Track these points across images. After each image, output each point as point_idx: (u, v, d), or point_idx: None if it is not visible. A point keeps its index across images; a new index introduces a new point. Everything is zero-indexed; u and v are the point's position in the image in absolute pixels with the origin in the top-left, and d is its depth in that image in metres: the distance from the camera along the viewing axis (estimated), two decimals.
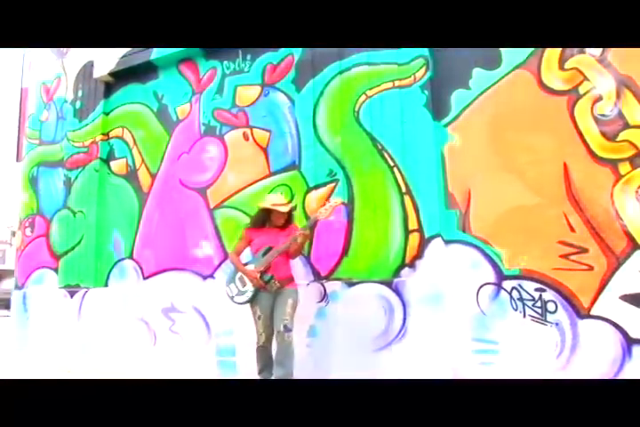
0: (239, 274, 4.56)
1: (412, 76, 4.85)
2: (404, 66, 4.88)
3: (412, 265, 4.61)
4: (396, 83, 4.90)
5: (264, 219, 4.61)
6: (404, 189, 4.74)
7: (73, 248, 6.80)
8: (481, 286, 4.38)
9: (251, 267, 4.48)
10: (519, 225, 4.29)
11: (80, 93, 7.22)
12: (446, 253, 4.52)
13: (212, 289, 5.59)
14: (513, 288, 4.26)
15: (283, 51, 5.68)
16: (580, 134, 4.15)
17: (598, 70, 4.15)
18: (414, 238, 4.64)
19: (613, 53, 4.11)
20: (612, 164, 4.01)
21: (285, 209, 4.53)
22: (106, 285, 6.56)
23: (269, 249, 4.45)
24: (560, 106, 4.26)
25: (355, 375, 4.12)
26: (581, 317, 4.01)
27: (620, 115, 4.03)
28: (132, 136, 6.72)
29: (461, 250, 4.49)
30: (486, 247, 4.40)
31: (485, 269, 4.37)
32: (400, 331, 4.53)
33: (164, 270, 6.13)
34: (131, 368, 5.85)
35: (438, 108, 4.75)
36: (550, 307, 4.12)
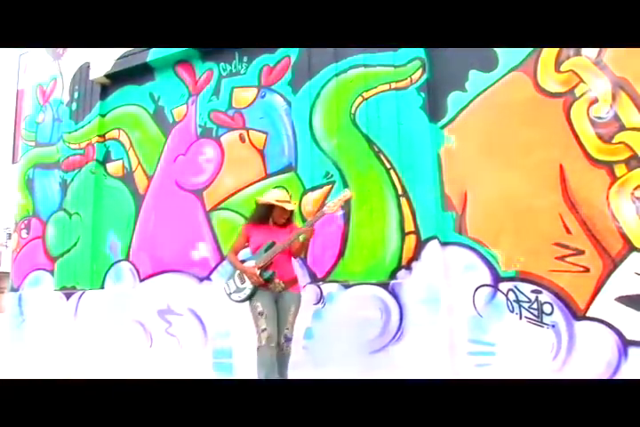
0: (238, 271, 4.27)
1: (409, 79, 4.85)
2: (401, 68, 4.89)
3: (408, 267, 4.61)
4: (393, 85, 4.91)
5: (265, 215, 4.32)
6: (400, 191, 4.74)
7: (69, 250, 6.79)
8: (477, 288, 4.38)
9: (251, 264, 4.18)
10: (515, 227, 4.30)
11: (76, 95, 7.21)
12: (443, 255, 4.52)
13: (209, 291, 5.58)
14: (509, 290, 4.26)
15: (279, 53, 5.68)
16: (576, 136, 4.16)
17: (594, 72, 4.17)
18: (411, 240, 4.64)
19: (609, 56, 4.12)
20: (608, 166, 4.02)
21: (291, 207, 4.29)
22: (102, 287, 6.54)
23: (272, 244, 4.16)
24: (556, 108, 4.27)
25: (351, 377, 4.12)
26: (577, 318, 4.01)
27: (616, 117, 4.04)
28: (129, 138, 6.71)
29: (458, 252, 4.50)
30: (482, 249, 4.40)
31: (482, 270, 4.38)
32: (397, 333, 4.53)
33: (161, 272, 6.12)
34: (127, 370, 5.84)
35: (435, 110, 4.76)
36: (546, 309, 4.12)
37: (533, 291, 4.17)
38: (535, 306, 4.16)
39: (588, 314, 3.98)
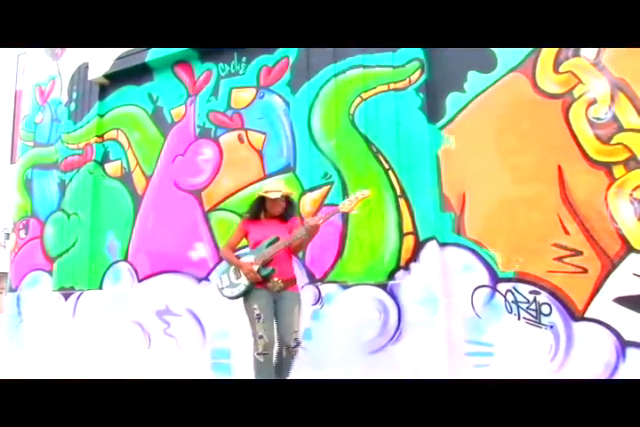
0: (234, 266, 4.00)
1: (408, 79, 4.86)
2: (400, 68, 4.89)
3: (406, 268, 4.61)
4: (392, 85, 4.91)
5: (258, 209, 4.07)
6: (398, 192, 4.74)
7: (67, 250, 6.78)
8: (475, 289, 4.38)
9: (250, 259, 3.90)
10: (514, 228, 4.30)
11: (75, 95, 7.21)
12: (441, 256, 4.52)
13: (207, 292, 5.58)
14: (507, 291, 4.27)
15: (278, 53, 5.68)
16: (575, 137, 4.16)
17: (593, 73, 4.17)
18: (409, 241, 4.64)
19: (608, 56, 4.13)
20: (607, 167, 4.02)
21: (275, 196, 3.94)
22: (100, 287, 6.53)
23: (276, 240, 3.88)
24: (555, 109, 4.27)
25: (350, 378, 4.12)
26: (575, 319, 4.02)
27: (615, 118, 4.04)
28: (127, 138, 6.71)
29: (456, 253, 4.50)
30: (481, 250, 4.40)
31: (480, 271, 4.38)
32: (395, 333, 4.53)
33: (159, 273, 6.12)
34: (125, 371, 5.83)
35: (433, 110, 4.76)
36: (545, 309, 4.13)
37: (531, 292, 4.18)
38: (533, 307, 4.16)
39: (586, 315, 3.98)
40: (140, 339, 6.00)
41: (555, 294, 4.09)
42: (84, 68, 7.14)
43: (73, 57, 7.36)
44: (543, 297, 4.13)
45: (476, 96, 4.61)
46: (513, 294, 4.24)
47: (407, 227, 4.67)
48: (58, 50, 7.63)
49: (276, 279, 3.87)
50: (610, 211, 3.97)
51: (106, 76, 6.87)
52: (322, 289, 4.87)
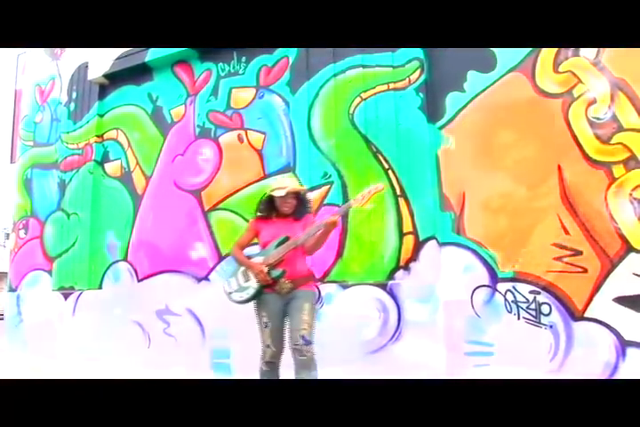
0: (243, 268, 3.75)
1: (407, 79, 4.86)
2: (399, 68, 4.89)
3: (406, 267, 4.61)
4: (391, 85, 4.91)
5: (267, 207, 3.79)
6: (398, 192, 4.74)
7: (67, 250, 6.78)
8: (475, 289, 4.38)
9: (259, 260, 3.67)
10: (513, 228, 4.30)
11: (74, 95, 7.21)
12: (441, 256, 4.52)
13: (207, 291, 5.58)
14: (507, 290, 4.27)
15: (277, 53, 5.68)
16: (575, 137, 4.16)
17: (592, 73, 4.17)
18: (409, 241, 4.64)
19: (608, 56, 4.13)
20: (606, 166, 4.02)
21: (280, 193, 3.67)
22: (100, 287, 6.53)
23: (285, 240, 3.62)
24: (554, 109, 4.27)
25: (350, 377, 4.12)
26: (575, 319, 4.02)
27: (614, 118, 4.04)
28: (127, 138, 6.71)
29: (456, 252, 4.50)
30: (481, 250, 4.40)
31: (480, 271, 4.38)
32: (395, 333, 4.53)
33: (159, 272, 6.12)
34: (125, 370, 5.83)
35: (433, 110, 4.76)
36: (544, 309, 4.13)
37: (531, 291, 4.18)
38: (533, 306, 4.16)
39: (585, 314, 3.98)
40: (139, 339, 6.00)
41: (554, 293, 4.09)
42: (83, 68, 7.14)
43: (73, 57, 7.36)
44: (543, 297, 4.13)
45: (476, 96, 4.61)
46: (513, 293, 4.24)
47: (407, 227, 4.67)
48: (58, 50, 7.63)
49: (283, 280, 3.60)
50: (610, 211, 3.97)
51: (105, 75, 6.87)
52: (322, 289, 4.87)
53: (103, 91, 7.02)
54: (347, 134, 5.03)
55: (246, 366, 4.56)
